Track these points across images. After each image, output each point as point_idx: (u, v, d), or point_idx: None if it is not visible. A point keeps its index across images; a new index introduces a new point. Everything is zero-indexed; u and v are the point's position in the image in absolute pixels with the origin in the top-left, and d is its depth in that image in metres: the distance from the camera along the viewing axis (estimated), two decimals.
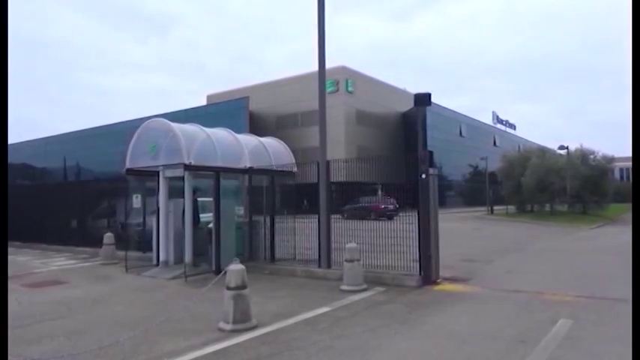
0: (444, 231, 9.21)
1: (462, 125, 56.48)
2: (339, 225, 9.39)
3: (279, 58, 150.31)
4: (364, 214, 10.54)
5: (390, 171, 9.54)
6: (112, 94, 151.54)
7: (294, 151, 12.07)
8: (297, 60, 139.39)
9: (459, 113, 56.87)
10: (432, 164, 8.52)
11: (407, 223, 8.37)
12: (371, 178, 9.53)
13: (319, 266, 9.28)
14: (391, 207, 10.86)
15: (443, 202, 38.17)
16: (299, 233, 10.17)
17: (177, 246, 10.20)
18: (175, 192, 10.45)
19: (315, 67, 9.76)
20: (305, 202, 11.72)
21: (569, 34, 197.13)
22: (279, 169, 10.80)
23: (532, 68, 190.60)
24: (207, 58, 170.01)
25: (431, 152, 8.86)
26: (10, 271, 9.34)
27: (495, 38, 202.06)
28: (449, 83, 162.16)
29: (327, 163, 9.41)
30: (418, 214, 8.22)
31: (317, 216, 9.25)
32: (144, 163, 10.30)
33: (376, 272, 8.47)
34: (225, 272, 5.60)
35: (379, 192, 10.86)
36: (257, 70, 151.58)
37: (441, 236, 8.66)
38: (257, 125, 43.59)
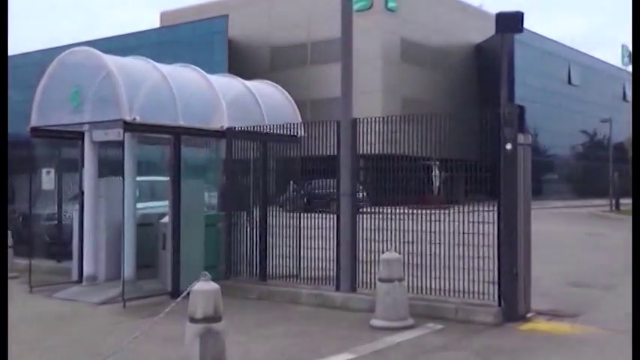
0: (539, 236, 9.17)
1: (571, 66, 56.30)
2: (367, 224, 9.37)
3: None
4: (318, 206, 11.31)
5: (455, 139, 9.44)
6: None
7: (299, 104, 12.05)
8: None
9: (567, 46, 56.52)
10: (522, 128, 8.44)
11: (480, 222, 8.31)
12: (422, 150, 9.44)
13: (337, 288, 9.32)
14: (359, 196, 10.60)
15: (538, 190, 38.09)
16: (305, 236, 10.16)
17: (111, 252, 10.27)
18: (110, 166, 10.45)
19: None
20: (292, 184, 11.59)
21: None
22: (275, 131, 10.73)
23: None
24: None
25: (521, 108, 8.74)
26: None
27: None
28: None
29: (354, 122, 9.38)
30: (499, 208, 8.18)
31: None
32: (59, 119, 10.33)
33: (428, 300, 8.49)
34: (188, 294, 5.58)
35: (435, 171, 10.75)
36: None
37: (535, 244, 8.62)
38: (241, 61, 43.77)
